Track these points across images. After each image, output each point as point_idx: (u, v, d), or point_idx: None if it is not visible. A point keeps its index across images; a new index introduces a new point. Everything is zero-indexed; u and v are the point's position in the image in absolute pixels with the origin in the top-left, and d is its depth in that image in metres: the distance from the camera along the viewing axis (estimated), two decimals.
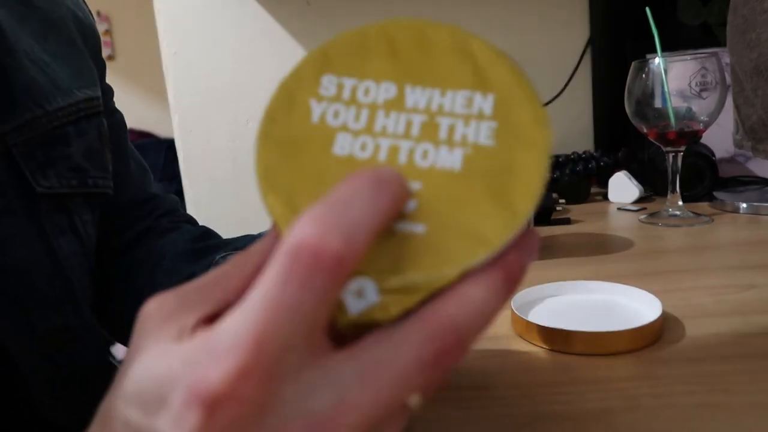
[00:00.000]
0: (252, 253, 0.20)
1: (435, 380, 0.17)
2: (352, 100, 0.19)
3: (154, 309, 0.19)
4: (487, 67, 0.19)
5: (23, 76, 0.41)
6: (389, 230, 0.18)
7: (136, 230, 0.54)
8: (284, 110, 0.20)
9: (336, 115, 0.19)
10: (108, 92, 0.55)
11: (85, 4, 0.53)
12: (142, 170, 0.57)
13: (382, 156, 0.18)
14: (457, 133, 0.18)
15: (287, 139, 0.19)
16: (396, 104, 0.19)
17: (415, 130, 0.19)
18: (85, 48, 0.50)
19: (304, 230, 0.16)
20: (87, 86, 0.47)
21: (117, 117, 0.56)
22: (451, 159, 0.18)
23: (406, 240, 0.17)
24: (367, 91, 0.19)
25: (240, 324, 0.16)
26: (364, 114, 0.19)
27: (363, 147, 0.19)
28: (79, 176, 0.44)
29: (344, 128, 0.19)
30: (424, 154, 0.18)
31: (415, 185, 0.18)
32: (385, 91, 0.19)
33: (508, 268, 0.18)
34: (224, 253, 0.52)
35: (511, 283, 0.18)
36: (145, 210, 0.55)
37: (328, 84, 0.20)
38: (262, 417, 0.15)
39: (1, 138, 0.39)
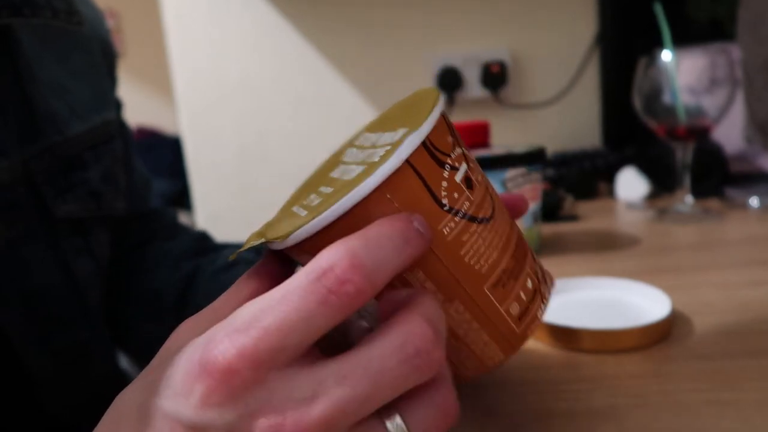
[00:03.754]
0: (248, 278, 0.23)
1: (413, 386, 0.19)
2: (360, 146, 0.26)
3: (185, 328, 0.22)
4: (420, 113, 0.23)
5: (45, 104, 0.41)
6: None
7: (137, 239, 0.55)
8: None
9: (348, 155, 0.26)
10: (119, 106, 0.55)
11: (103, 16, 0.54)
12: (145, 183, 0.57)
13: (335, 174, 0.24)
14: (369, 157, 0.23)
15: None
16: (364, 142, 0.25)
17: (360, 157, 0.24)
18: (104, 65, 0.50)
19: (337, 256, 0.18)
20: (104, 108, 0.47)
21: (126, 131, 0.56)
22: (350, 174, 0.22)
23: None
24: (365, 139, 0.26)
25: (253, 313, 0.18)
26: (354, 151, 0.25)
27: (341, 169, 0.25)
28: (97, 200, 0.45)
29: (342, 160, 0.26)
30: (350, 172, 0.23)
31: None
32: (370, 138, 0.25)
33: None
34: (235, 250, 0.52)
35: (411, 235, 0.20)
36: (146, 222, 0.56)
37: (363, 138, 0.26)
38: (245, 396, 0.17)
39: (25, 164, 0.39)
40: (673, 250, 0.56)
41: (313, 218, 0.20)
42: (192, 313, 0.45)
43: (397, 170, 0.20)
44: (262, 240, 0.22)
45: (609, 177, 0.89)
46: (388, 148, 0.21)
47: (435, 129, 0.21)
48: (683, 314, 0.40)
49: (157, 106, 2.90)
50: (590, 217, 0.74)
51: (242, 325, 0.18)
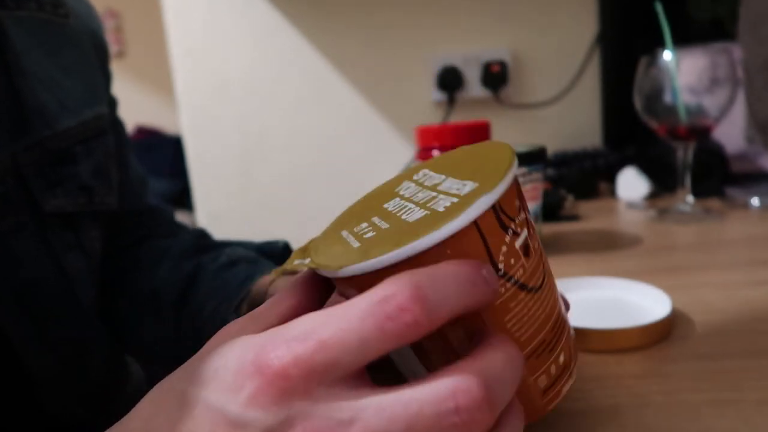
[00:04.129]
0: (291, 290, 0.24)
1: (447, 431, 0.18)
2: (418, 182, 0.26)
3: (232, 331, 0.23)
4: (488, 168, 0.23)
5: (34, 97, 0.41)
6: None
7: (133, 237, 0.55)
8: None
9: (405, 188, 0.26)
10: (113, 104, 0.55)
11: (94, 10, 0.54)
12: (141, 181, 0.57)
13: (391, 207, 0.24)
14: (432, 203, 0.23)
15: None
16: (425, 183, 0.25)
17: (420, 197, 0.24)
18: (97, 62, 0.50)
19: (401, 285, 0.18)
20: (95, 102, 0.47)
21: (120, 128, 0.56)
22: (414, 216, 0.22)
23: None
24: (426, 177, 0.26)
25: (312, 325, 0.19)
26: (412, 186, 0.26)
27: (398, 205, 0.24)
28: (87, 195, 0.45)
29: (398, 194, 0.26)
30: (409, 211, 0.23)
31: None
32: (433, 178, 0.25)
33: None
34: (236, 248, 0.52)
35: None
36: (142, 220, 0.56)
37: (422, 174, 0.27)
38: (291, 403, 0.18)
39: (13, 158, 0.40)
40: (673, 249, 0.56)
41: (369, 260, 0.20)
42: (193, 312, 0.45)
43: (463, 229, 0.20)
44: (308, 261, 0.23)
45: (610, 177, 0.89)
46: (455, 200, 0.21)
47: (506, 192, 0.21)
48: (684, 314, 0.40)
49: (158, 106, 2.90)
50: (591, 216, 0.74)
51: (301, 335, 0.18)
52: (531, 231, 0.23)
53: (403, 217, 0.22)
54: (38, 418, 0.41)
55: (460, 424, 0.18)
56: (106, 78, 0.53)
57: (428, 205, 0.22)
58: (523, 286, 0.22)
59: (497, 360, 0.19)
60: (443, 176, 0.24)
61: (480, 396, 0.18)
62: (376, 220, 0.24)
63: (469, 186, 0.22)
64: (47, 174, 0.42)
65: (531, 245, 0.23)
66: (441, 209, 0.21)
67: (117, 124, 0.55)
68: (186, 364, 0.22)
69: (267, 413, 0.18)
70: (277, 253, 0.54)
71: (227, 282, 0.48)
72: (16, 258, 0.39)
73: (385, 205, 0.25)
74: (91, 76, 0.48)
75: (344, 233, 0.24)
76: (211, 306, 0.47)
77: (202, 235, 0.56)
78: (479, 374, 0.18)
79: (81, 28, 0.48)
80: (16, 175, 0.40)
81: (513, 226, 0.22)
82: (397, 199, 0.25)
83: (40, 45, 0.43)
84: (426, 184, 0.25)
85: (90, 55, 0.49)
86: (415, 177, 0.26)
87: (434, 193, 0.23)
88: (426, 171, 0.26)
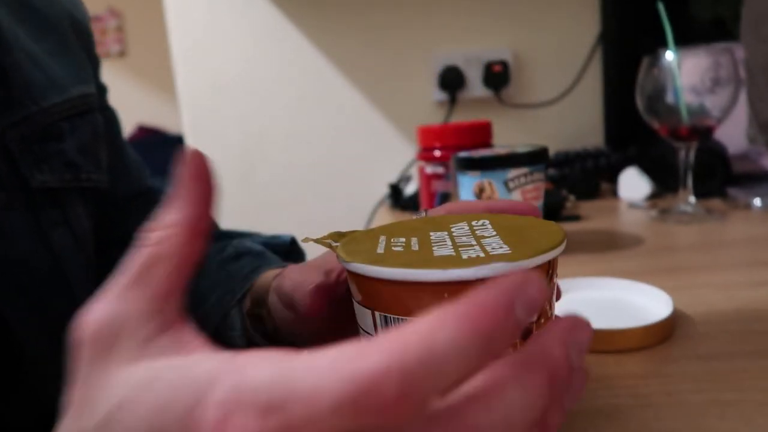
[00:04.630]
0: (162, 233, 0.20)
1: None
2: (473, 228, 0.27)
3: (99, 326, 0.19)
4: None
5: (20, 73, 0.42)
6: None
7: (139, 220, 0.54)
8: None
9: (459, 228, 0.27)
10: (103, 90, 0.56)
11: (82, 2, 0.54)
12: (139, 164, 0.58)
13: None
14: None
15: None
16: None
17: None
18: (79, 46, 0.51)
19: (388, 373, 0.14)
20: (82, 83, 0.48)
21: (111, 113, 0.56)
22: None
23: None
24: (483, 227, 0.27)
25: (284, 390, 0.15)
26: (465, 228, 0.27)
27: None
28: (73, 171, 0.45)
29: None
30: (442, 246, 0.24)
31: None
32: (486, 230, 0.26)
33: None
34: (241, 239, 0.52)
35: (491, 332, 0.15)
36: (145, 201, 0.56)
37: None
38: None
39: (1, 134, 0.40)
40: (675, 250, 0.56)
41: (371, 266, 0.21)
42: (195, 302, 0.44)
43: (465, 282, 0.20)
44: (335, 245, 0.24)
45: (611, 177, 0.89)
46: (481, 254, 0.21)
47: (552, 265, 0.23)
48: (685, 314, 0.40)
49: (159, 105, 2.90)
50: (592, 217, 0.74)
51: (270, 405, 0.15)
52: (542, 320, 0.23)
53: (434, 248, 0.23)
54: (34, 402, 0.41)
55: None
56: (92, 62, 0.53)
57: (459, 248, 0.23)
58: None
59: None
60: (495, 232, 0.25)
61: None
62: (413, 241, 0.25)
63: (502, 249, 0.22)
64: (34, 150, 0.42)
65: (533, 331, 0.22)
66: (464, 256, 0.21)
67: (107, 110, 0.56)
68: (66, 419, 0.18)
69: None
70: (283, 247, 0.54)
71: (231, 275, 0.48)
72: (7, 235, 0.40)
73: (431, 233, 0.26)
74: (74, 58, 0.49)
75: (382, 238, 0.25)
76: (213, 298, 0.47)
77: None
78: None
79: (58, 13, 0.49)
80: (3, 151, 0.40)
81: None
82: (446, 233, 0.26)
83: (25, 30, 0.44)
84: (477, 233, 0.25)
85: (69, 38, 0.50)
86: (474, 223, 0.27)
87: (474, 242, 0.24)
88: (486, 222, 0.27)
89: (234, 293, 0.46)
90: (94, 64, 0.54)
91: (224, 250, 0.51)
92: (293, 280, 0.34)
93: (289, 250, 0.54)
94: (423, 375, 0.14)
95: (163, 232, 0.20)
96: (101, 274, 0.51)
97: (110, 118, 0.55)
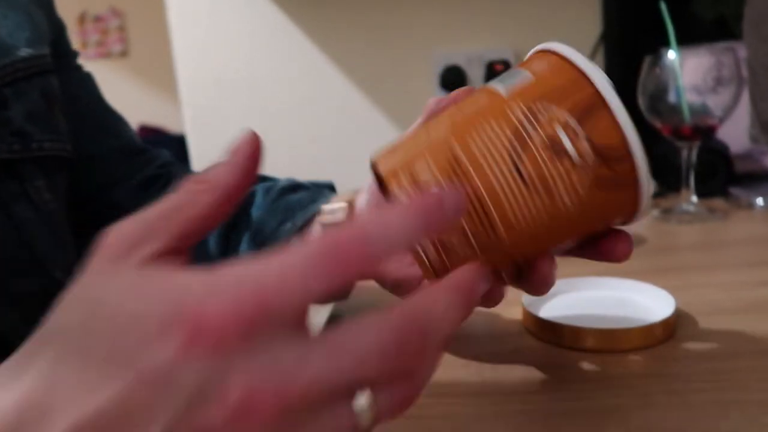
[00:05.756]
0: (204, 185, 0.22)
1: (392, 372, 0.18)
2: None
3: (118, 237, 0.21)
4: None
5: None
6: None
7: (139, 178, 0.54)
8: None
9: None
10: (72, 55, 0.54)
11: None
12: (126, 125, 0.57)
13: None
14: None
15: None
16: None
17: None
18: (34, 7, 0.49)
19: (352, 232, 0.18)
20: (30, 44, 0.45)
21: (83, 73, 0.55)
22: None
23: None
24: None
25: (255, 272, 0.18)
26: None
27: None
28: (23, 141, 0.43)
29: None
30: None
31: None
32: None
33: (471, 287, 0.21)
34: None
35: (471, 302, 0.21)
36: (142, 160, 0.55)
37: None
38: (228, 356, 0.17)
39: None
40: (677, 249, 0.56)
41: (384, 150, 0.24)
42: (253, 232, 0.48)
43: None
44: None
45: None
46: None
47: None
48: (688, 314, 0.40)
49: (161, 105, 2.90)
50: None
51: (239, 283, 0.17)
52: (543, 153, 0.24)
53: None
54: None
55: (403, 363, 0.19)
56: (54, 26, 0.52)
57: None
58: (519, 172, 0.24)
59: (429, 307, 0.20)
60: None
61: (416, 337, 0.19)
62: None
63: None
64: None
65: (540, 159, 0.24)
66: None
67: (79, 69, 0.54)
68: (61, 311, 0.19)
69: (201, 366, 0.17)
70: (327, 188, 0.53)
71: (290, 204, 0.47)
72: None
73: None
74: (21, 18, 0.46)
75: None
76: (271, 225, 0.46)
77: None
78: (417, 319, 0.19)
79: None
80: None
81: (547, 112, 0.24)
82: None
83: None
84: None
85: (23, 1, 0.47)
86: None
87: None
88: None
89: (295, 221, 0.45)
90: (56, 27, 0.52)
91: (276, 184, 0.50)
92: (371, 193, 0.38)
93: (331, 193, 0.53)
94: (375, 233, 0.18)
95: (203, 187, 0.22)
96: (90, 235, 0.51)
97: (85, 78, 0.54)
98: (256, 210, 0.49)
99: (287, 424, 0.17)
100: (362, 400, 0.18)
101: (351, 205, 0.42)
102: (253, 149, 0.23)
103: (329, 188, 0.52)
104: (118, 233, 0.21)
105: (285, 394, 0.17)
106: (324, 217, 0.43)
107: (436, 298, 0.20)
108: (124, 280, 0.19)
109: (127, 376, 0.17)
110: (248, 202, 0.50)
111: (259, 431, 0.17)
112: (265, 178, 0.53)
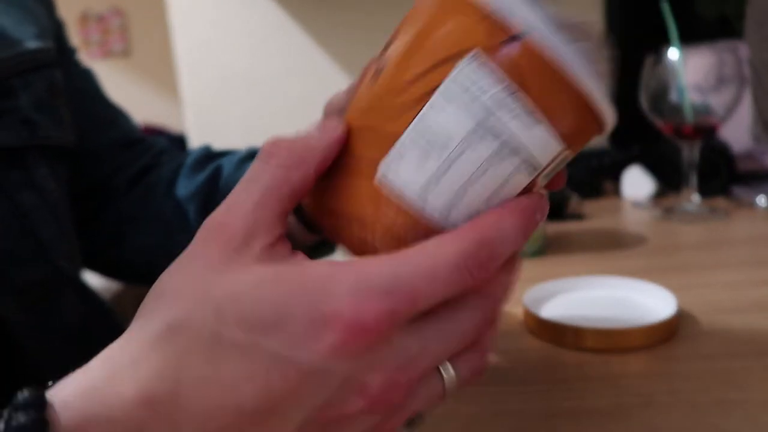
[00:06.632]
0: (293, 159, 0.22)
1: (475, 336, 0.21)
2: None
3: (225, 233, 0.21)
4: None
5: None
6: None
7: (137, 167, 0.55)
8: None
9: None
10: (71, 51, 0.55)
11: None
12: (126, 117, 0.58)
13: None
14: None
15: None
16: None
17: None
18: (36, 5, 0.50)
19: (486, 242, 0.20)
20: (35, 38, 0.47)
21: (84, 68, 0.56)
22: None
23: None
24: None
25: (402, 272, 0.19)
26: None
27: None
28: (30, 129, 0.44)
29: None
30: None
31: None
32: None
33: (532, 210, 0.21)
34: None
35: (532, 226, 0.21)
36: (140, 149, 0.56)
37: None
38: (373, 352, 0.19)
39: None
40: (679, 249, 0.56)
41: None
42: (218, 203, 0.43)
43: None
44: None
45: (615, 175, 0.88)
46: None
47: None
48: (689, 314, 0.39)
49: (163, 104, 2.90)
50: (596, 215, 0.74)
51: (391, 286, 0.18)
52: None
53: None
54: (19, 370, 0.41)
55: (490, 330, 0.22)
56: (54, 23, 0.53)
57: None
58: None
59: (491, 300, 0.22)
60: None
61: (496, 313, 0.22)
62: None
63: None
64: None
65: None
66: None
67: (78, 64, 0.55)
68: (199, 293, 0.19)
69: (350, 363, 0.18)
70: None
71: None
72: None
73: None
74: (25, 13, 0.48)
75: None
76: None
77: (209, 148, 0.56)
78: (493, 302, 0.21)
79: None
80: None
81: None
82: None
83: None
84: None
85: (26, 1, 0.49)
86: None
87: None
88: None
89: None
90: (56, 25, 0.53)
91: (236, 155, 0.51)
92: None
93: None
94: (498, 245, 0.20)
95: (295, 158, 0.22)
96: (91, 225, 0.52)
97: (85, 73, 0.55)
98: (224, 183, 0.49)
99: (406, 404, 0.20)
100: (450, 370, 0.21)
101: None
102: (341, 132, 0.23)
103: None
104: (226, 228, 0.21)
105: (412, 381, 0.20)
106: None
107: (504, 224, 0.20)
108: (255, 276, 0.19)
109: (284, 370, 0.18)
110: (217, 177, 0.50)
111: (385, 413, 0.20)
112: (230, 151, 0.54)
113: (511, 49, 0.18)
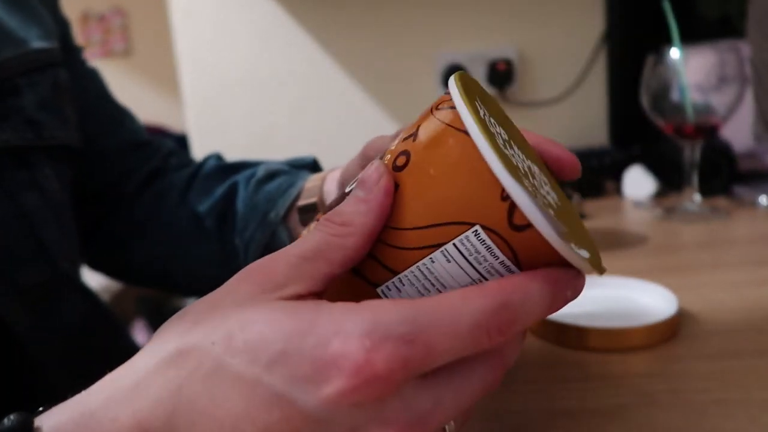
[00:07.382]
0: (349, 228, 0.21)
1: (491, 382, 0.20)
2: (506, 139, 0.23)
3: (265, 275, 0.21)
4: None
5: None
6: None
7: (146, 170, 0.54)
8: None
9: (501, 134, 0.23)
10: (77, 50, 0.55)
11: None
12: (133, 118, 0.58)
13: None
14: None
15: None
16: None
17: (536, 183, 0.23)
18: (40, 6, 0.50)
19: (512, 305, 0.19)
20: (40, 38, 0.46)
21: (90, 68, 0.56)
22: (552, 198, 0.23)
23: None
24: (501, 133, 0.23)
25: (420, 319, 0.18)
26: (503, 134, 0.23)
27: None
28: (35, 129, 0.44)
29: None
30: (547, 191, 0.23)
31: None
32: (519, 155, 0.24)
33: (563, 285, 0.21)
34: (266, 167, 0.51)
35: (560, 301, 0.22)
36: (149, 151, 0.56)
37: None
38: (384, 403, 0.18)
39: None
40: (680, 248, 0.56)
41: (576, 250, 0.21)
42: (239, 229, 0.44)
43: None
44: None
45: (616, 175, 0.88)
46: (566, 231, 0.21)
47: None
48: (690, 313, 0.39)
49: (164, 104, 2.91)
50: (597, 215, 0.74)
51: (408, 334, 0.17)
52: None
53: (552, 195, 0.23)
54: (22, 372, 0.41)
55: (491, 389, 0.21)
56: (59, 23, 0.52)
57: (547, 199, 0.22)
58: None
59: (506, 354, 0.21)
60: (516, 147, 0.23)
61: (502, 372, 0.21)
62: (536, 171, 0.23)
63: (552, 195, 0.23)
64: None
65: None
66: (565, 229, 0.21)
67: (84, 64, 0.55)
68: (213, 322, 0.19)
69: (357, 412, 0.17)
70: (307, 166, 0.52)
71: (270, 194, 0.47)
72: None
73: (531, 164, 0.24)
74: (31, 14, 0.48)
75: (509, 152, 0.22)
76: (256, 219, 0.46)
77: (220, 158, 0.55)
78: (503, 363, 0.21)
79: None
80: None
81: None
82: (516, 148, 0.23)
83: None
84: (516, 150, 0.23)
85: (31, 1, 0.48)
86: (510, 142, 0.23)
87: (536, 179, 0.23)
88: (494, 121, 0.23)
89: (277, 210, 0.45)
90: (61, 24, 0.53)
91: (254, 174, 0.50)
92: (347, 170, 0.38)
93: (313, 169, 0.52)
94: (523, 306, 0.19)
95: (349, 229, 0.22)
96: (119, 228, 0.52)
97: (91, 74, 0.55)
98: (240, 203, 0.49)
99: None
100: (452, 424, 0.21)
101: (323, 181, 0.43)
102: (387, 183, 0.22)
103: (310, 165, 0.52)
104: (265, 271, 0.21)
105: None
106: (300, 202, 0.44)
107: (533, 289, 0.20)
108: (271, 309, 0.19)
109: (286, 410, 0.17)
110: (233, 194, 0.50)
111: None
112: (245, 165, 0.53)
113: (520, 234, 0.20)
